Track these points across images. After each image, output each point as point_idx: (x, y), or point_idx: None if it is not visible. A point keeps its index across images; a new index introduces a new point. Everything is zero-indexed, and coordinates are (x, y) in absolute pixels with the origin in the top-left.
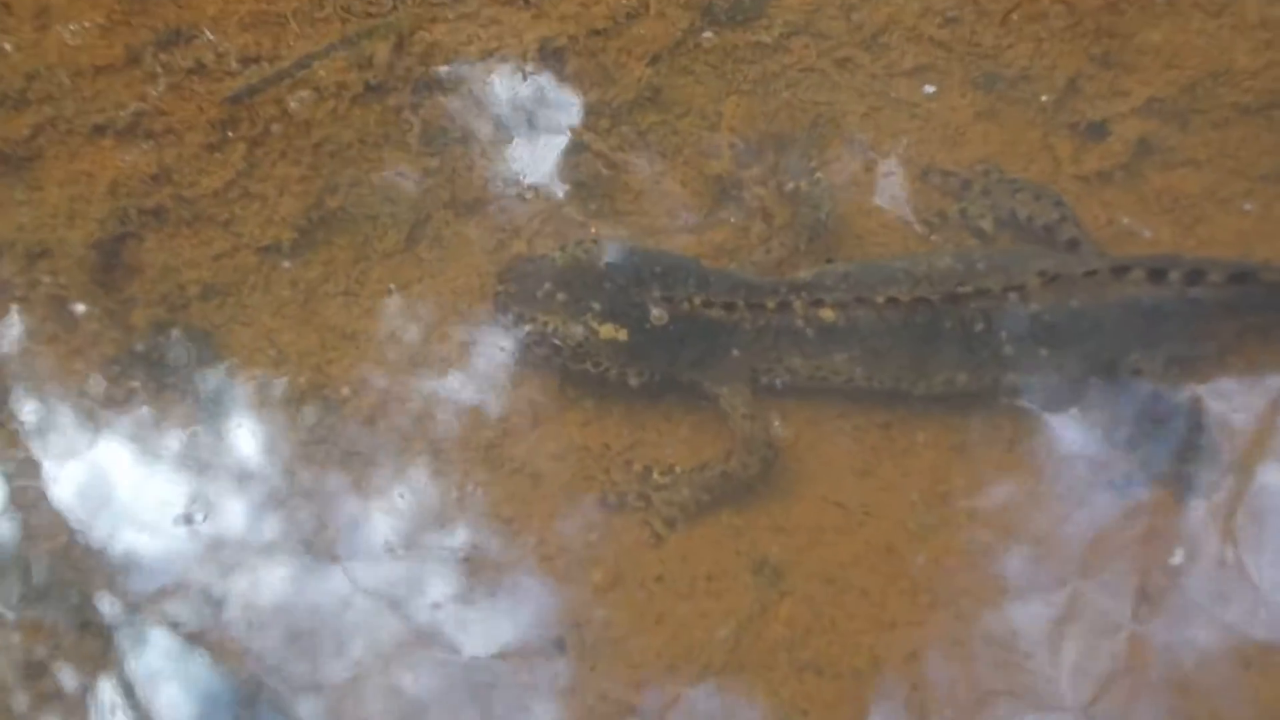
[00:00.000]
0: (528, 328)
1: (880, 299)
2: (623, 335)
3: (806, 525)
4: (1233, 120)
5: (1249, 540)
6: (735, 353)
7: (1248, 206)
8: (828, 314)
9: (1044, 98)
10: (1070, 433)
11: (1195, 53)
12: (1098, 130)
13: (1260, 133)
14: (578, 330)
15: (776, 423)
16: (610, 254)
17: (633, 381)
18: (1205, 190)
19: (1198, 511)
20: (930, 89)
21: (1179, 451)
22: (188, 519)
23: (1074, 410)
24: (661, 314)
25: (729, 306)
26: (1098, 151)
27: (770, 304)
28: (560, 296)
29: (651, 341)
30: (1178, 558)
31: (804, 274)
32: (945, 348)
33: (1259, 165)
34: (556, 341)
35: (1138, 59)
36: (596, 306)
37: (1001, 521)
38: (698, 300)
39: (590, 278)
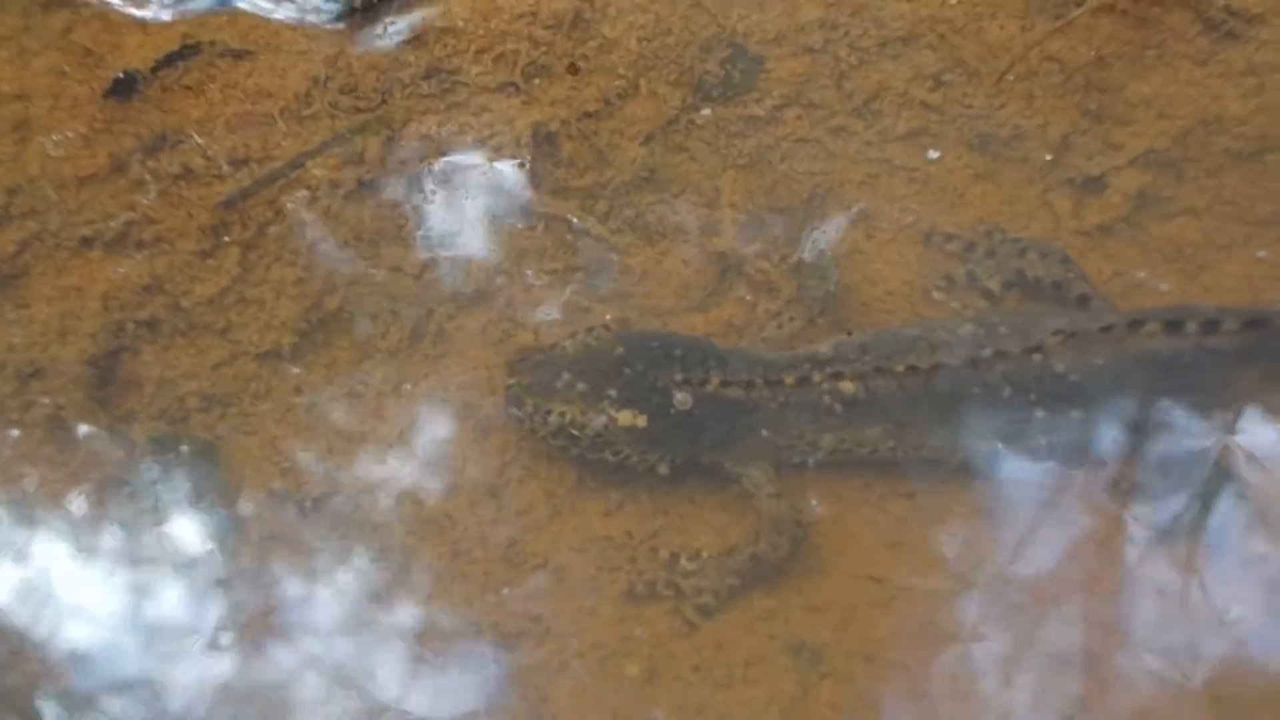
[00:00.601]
0: (544, 420)
1: (900, 368)
2: (641, 421)
3: (840, 603)
4: (1227, 167)
5: (1208, 570)
6: (756, 432)
7: (1262, 254)
8: (847, 386)
9: (1047, 156)
10: (1094, 489)
11: (1186, 102)
12: (1095, 184)
13: (1255, 178)
14: (596, 419)
15: (814, 501)
16: (623, 340)
17: (661, 469)
18: (1206, 237)
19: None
20: (934, 154)
21: (1204, 498)
22: (217, 639)
23: (1098, 466)
24: (686, 398)
25: (748, 385)
26: (1097, 205)
27: (789, 380)
28: (576, 386)
29: (671, 426)
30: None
31: (823, 347)
32: (973, 414)
33: (1256, 210)
34: (574, 432)
35: (1129, 111)
36: (613, 394)
37: (1037, 584)
38: (716, 381)
39: (604, 365)
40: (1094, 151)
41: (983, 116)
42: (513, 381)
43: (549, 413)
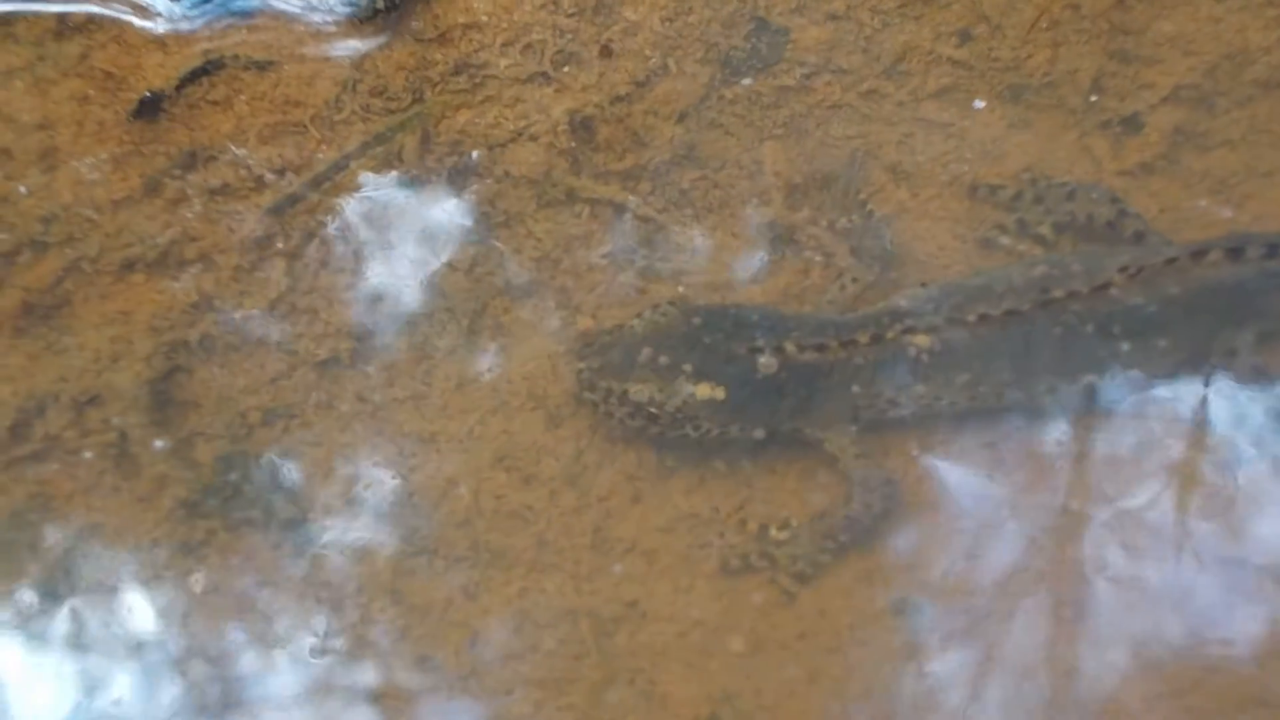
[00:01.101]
0: (620, 401)
1: (972, 317)
2: (720, 394)
3: (936, 554)
4: (1257, 97)
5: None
6: (835, 394)
7: None
8: (921, 340)
9: (1092, 97)
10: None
11: (1209, 38)
12: (1131, 125)
13: None
14: (674, 395)
15: (914, 451)
16: (692, 313)
17: (747, 438)
18: (1246, 167)
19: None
20: (980, 104)
21: None
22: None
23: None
24: (770, 361)
25: (822, 348)
26: (1135, 145)
27: (863, 339)
28: (651, 363)
29: (750, 396)
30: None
31: (901, 301)
32: (1055, 355)
33: None
34: (653, 410)
35: (1155, 51)
36: (689, 368)
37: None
38: (791, 346)
39: (676, 340)
40: (1126, 93)
41: (1012, 68)
42: (583, 366)
43: (625, 393)
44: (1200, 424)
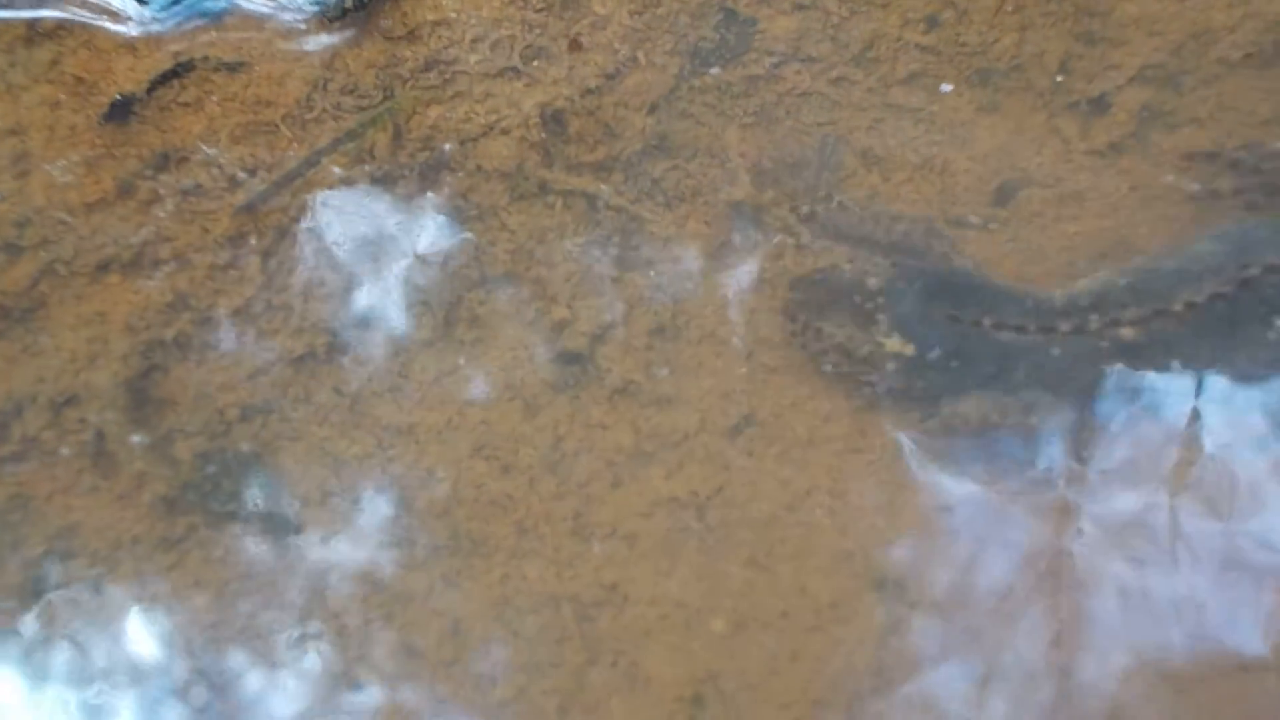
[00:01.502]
0: (815, 336)
1: (1178, 306)
2: (909, 350)
3: (915, 534)
4: (1222, 75)
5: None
6: (1023, 376)
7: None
8: (1127, 333)
9: (1058, 78)
10: None
11: (1173, 18)
12: (1099, 105)
13: (1251, 82)
14: (864, 343)
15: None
16: (899, 269)
17: (925, 395)
18: (1215, 144)
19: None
20: (947, 87)
21: None
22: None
23: None
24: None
25: (1020, 329)
26: (1103, 125)
27: (1064, 327)
28: (856, 307)
29: (939, 359)
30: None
31: (1088, 285)
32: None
33: (1259, 112)
34: (843, 352)
35: (1121, 32)
36: (884, 319)
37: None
38: (988, 321)
39: (879, 292)
40: (1093, 74)
41: (979, 53)
42: (793, 295)
43: (820, 329)
44: (1202, 428)
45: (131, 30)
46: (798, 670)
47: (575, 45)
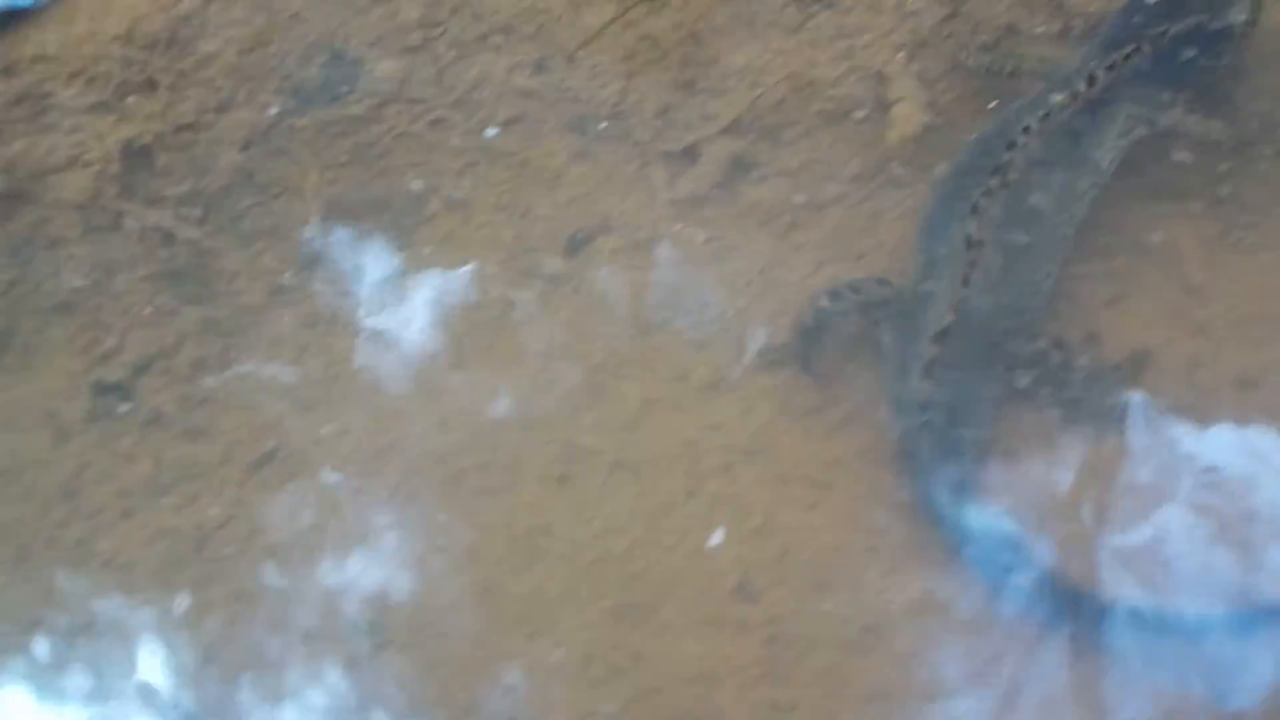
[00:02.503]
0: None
1: None
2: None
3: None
4: (819, 128)
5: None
6: None
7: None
8: None
9: (657, 127)
10: None
11: (778, 69)
12: (689, 155)
13: (847, 136)
14: None
15: None
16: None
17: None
18: (802, 193)
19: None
20: (492, 131)
21: None
22: None
23: None
24: None
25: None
26: (691, 175)
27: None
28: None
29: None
30: None
31: None
32: None
33: (849, 167)
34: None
35: (723, 82)
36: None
37: None
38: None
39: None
40: (691, 123)
41: (581, 100)
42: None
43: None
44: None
45: None
46: None
47: (150, 85)
